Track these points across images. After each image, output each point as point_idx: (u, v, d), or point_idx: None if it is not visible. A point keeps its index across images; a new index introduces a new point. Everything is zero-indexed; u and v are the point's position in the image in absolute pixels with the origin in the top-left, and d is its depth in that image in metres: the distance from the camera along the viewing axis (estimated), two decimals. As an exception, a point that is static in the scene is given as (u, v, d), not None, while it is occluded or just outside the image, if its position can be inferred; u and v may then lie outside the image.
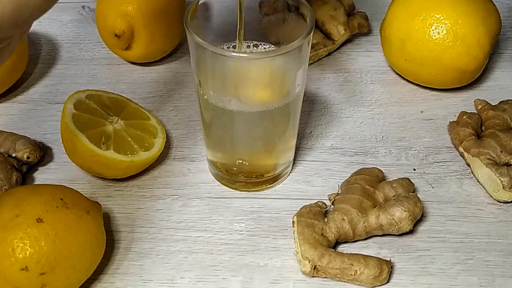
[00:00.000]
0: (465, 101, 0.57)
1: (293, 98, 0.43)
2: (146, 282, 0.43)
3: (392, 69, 0.59)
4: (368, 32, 0.64)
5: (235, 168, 0.48)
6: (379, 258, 0.43)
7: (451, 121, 0.53)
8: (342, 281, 0.43)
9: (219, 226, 0.47)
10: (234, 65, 0.41)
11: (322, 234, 0.43)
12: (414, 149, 0.53)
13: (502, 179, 0.47)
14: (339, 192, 0.47)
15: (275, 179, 0.49)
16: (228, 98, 0.42)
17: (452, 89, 0.57)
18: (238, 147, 0.47)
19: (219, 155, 0.49)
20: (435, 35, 0.53)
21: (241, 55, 0.41)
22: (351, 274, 0.42)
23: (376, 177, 0.48)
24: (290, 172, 0.51)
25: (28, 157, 0.49)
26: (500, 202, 0.48)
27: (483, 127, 0.52)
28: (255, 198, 0.49)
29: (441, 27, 0.52)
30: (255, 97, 0.43)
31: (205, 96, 0.43)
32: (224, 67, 0.41)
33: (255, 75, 0.42)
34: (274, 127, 0.45)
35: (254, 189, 0.49)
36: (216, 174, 0.50)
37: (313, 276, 0.43)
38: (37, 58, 0.63)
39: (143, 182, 0.50)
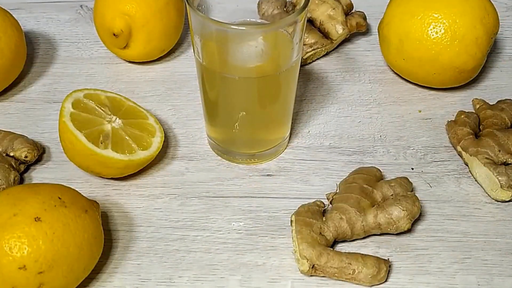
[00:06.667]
0: (463, 101, 0.57)
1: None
2: (144, 281, 0.43)
3: (390, 68, 0.59)
4: (366, 32, 0.64)
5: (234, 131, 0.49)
6: (377, 257, 0.43)
7: (449, 120, 0.53)
8: (340, 280, 0.43)
9: (217, 225, 0.47)
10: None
11: (320, 233, 0.44)
12: (412, 148, 0.53)
13: (500, 178, 0.47)
14: (337, 191, 0.47)
15: (271, 154, 0.51)
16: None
17: (450, 88, 0.57)
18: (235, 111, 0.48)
19: (218, 121, 0.50)
20: (433, 35, 0.53)
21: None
22: (349, 273, 0.42)
23: (374, 176, 0.48)
24: (286, 147, 0.52)
25: (26, 156, 0.49)
26: (498, 201, 0.48)
27: (481, 126, 0.52)
28: (253, 197, 0.49)
29: (439, 26, 0.52)
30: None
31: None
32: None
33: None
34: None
35: (253, 162, 0.51)
36: (217, 148, 0.51)
37: (311, 275, 0.43)
38: (35, 57, 0.62)
39: (141, 181, 0.50)
